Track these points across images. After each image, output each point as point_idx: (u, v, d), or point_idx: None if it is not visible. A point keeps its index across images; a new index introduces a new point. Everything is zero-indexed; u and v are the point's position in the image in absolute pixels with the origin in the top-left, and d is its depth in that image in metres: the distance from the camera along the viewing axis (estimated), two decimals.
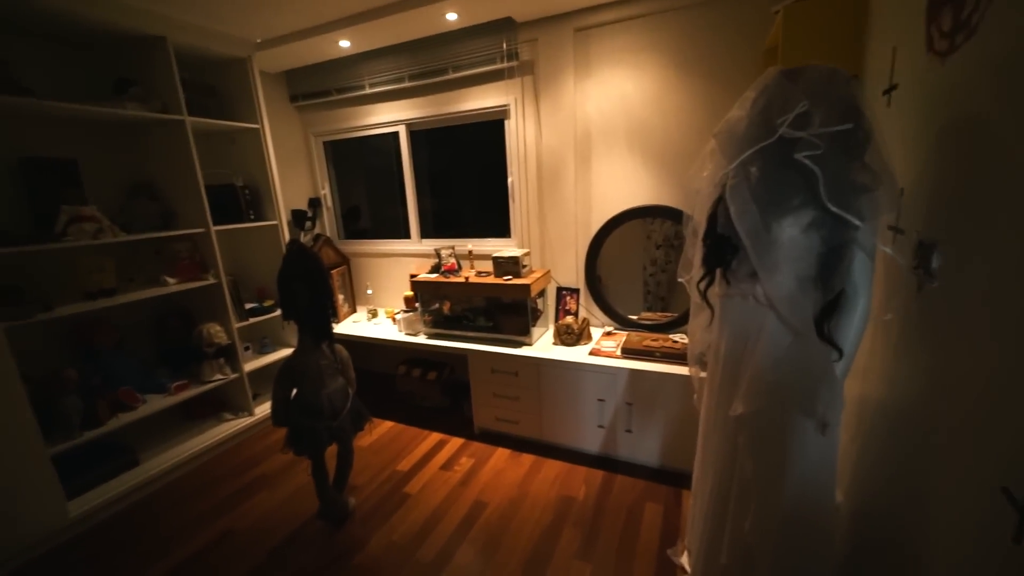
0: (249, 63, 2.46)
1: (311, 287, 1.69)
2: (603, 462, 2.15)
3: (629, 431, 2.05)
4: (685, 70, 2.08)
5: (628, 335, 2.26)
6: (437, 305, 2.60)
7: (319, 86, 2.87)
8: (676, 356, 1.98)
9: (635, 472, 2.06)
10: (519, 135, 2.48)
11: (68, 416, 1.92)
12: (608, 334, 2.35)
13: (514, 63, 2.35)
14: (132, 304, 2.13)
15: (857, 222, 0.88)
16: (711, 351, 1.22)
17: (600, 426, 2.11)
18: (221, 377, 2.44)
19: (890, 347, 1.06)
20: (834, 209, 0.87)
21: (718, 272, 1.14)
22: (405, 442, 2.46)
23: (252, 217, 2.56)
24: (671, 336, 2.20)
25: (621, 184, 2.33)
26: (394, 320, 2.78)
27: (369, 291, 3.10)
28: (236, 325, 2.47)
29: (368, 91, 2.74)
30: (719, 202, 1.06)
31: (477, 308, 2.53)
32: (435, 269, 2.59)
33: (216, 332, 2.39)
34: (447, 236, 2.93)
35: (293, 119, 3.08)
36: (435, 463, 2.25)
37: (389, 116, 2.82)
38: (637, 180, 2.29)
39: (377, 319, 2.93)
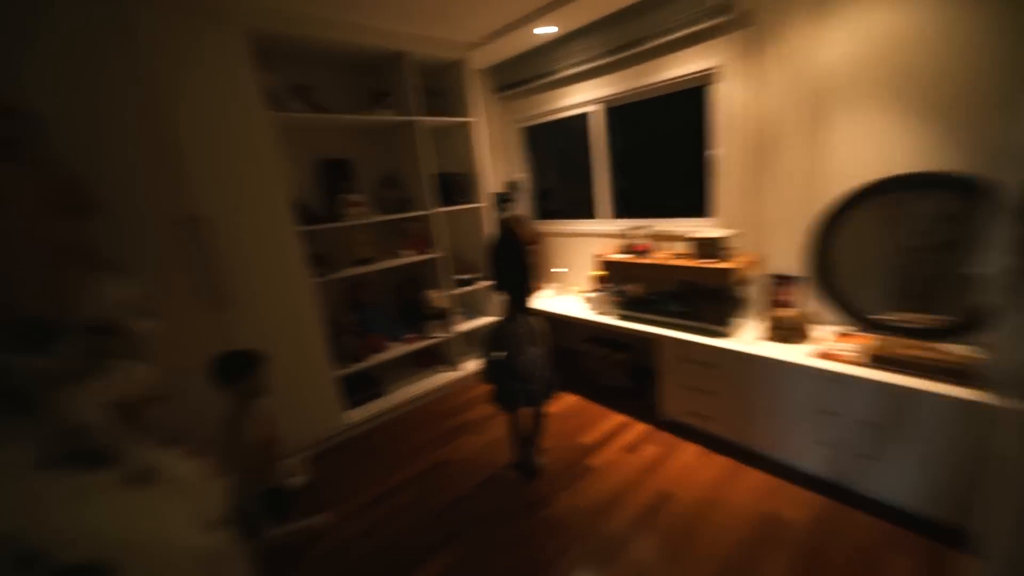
0: (465, 63, 2.78)
1: (515, 262, 1.86)
2: (826, 487, 1.79)
3: (869, 457, 1.65)
4: None
5: (876, 338, 1.80)
6: (626, 286, 2.56)
7: (520, 75, 3.07)
8: (954, 373, 1.51)
9: (874, 510, 1.66)
10: (728, 101, 2.19)
11: (344, 350, 2.59)
12: (844, 335, 1.92)
13: (726, 18, 2.06)
14: (382, 270, 2.72)
15: None
16: None
17: (824, 443, 1.77)
18: (440, 335, 2.94)
19: None
20: None
21: None
22: (588, 417, 2.54)
23: (463, 200, 2.95)
24: (937, 345, 1.68)
25: (871, 148, 1.83)
26: (584, 298, 2.86)
27: (562, 269, 3.26)
28: (451, 293, 2.92)
29: (565, 73, 2.80)
30: None
31: (670, 292, 2.40)
32: (626, 249, 2.54)
33: (436, 297, 2.86)
34: (637, 215, 2.84)
35: (497, 110, 3.39)
36: (618, 443, 2.27)
37: (583, 96, 2.84)
38: (897, 141, 1.77)
39: (564, 296, 3.06)
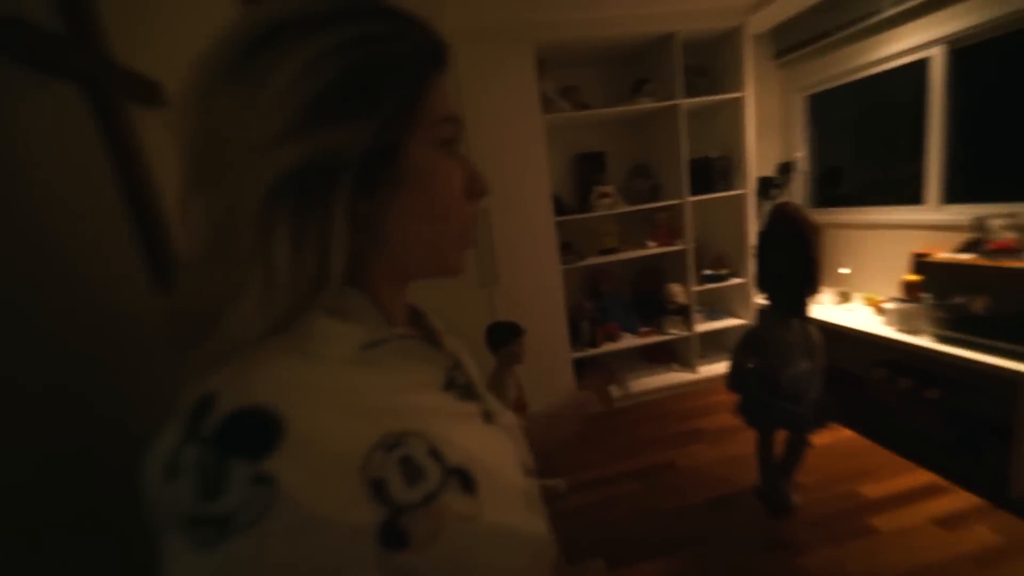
0: (741, 30, 2.45)
1: (791, 256, 1.56)
2: None
3: None
4: None
5: None
6: (963, 298, 1.83)
7: (813, 31, 2.51)
8: None
9: None
10: None
11: (582, 334, 2.75)
12: None
13: None
14: (623, 260, 2.74)
15: None
16: None
17: None
18: (677, 332, 2.78)
19: None
20: None
21: None
22: (872, 463, 1.96)
23: (722, 187, 2.65)
24: None
25: None
26: (878, 309, 2.20)
27: (845, 270, 2.58)
28: (694, 288, 2.71)
29: (889, 13, 2.13)
30: None
31: None
32: (971, 246, 1.81)
33: (677, 292, 2.71)
34: (982, 199, 1.96)
35: (773, 80, 2.89)
36: (924, 511, 1.67)
37: (914, 39, 2.11)
38: None
39: (850, 304, 2.42)
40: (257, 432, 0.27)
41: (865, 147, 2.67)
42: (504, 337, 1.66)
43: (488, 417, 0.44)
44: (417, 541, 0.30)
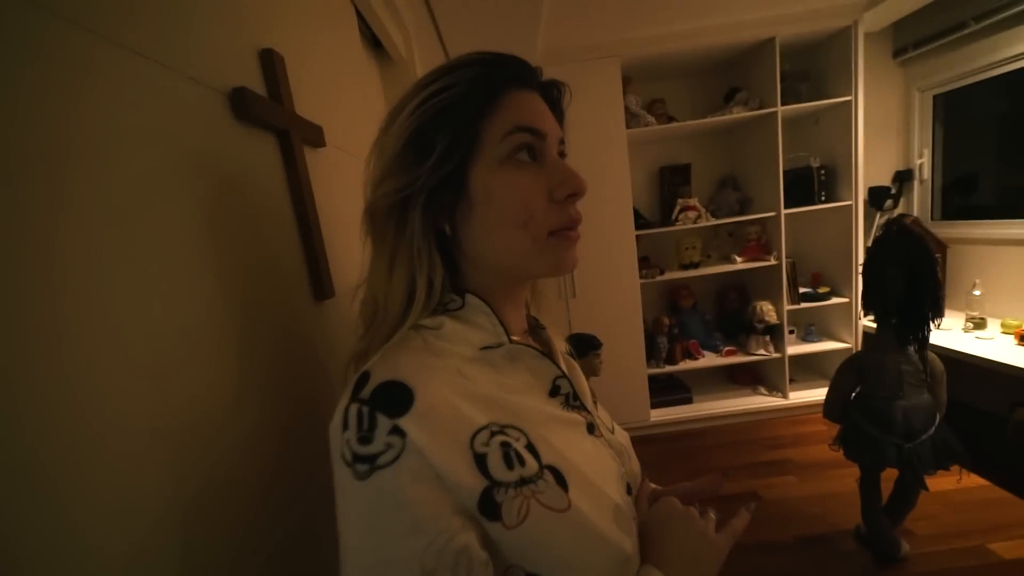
0: (854, 28, 2.26)
1: (911, 277, 1.41)
2: None
3: None
4: None
5: None
6: None
7: (944, 23, 2.25)
8: None
9: None
10: None
11: (659, 350, 2.68)
12: None
13: None
14: (706, 276, 2.63)
15: None
16: None
17: None
18: (764, 353, 2.60)
19: None
20: None
21: None
22: (1008, 518, 1.69)
23: (823, 199, 2.45)
24: None
25: None
26: (1020, 338, 1.89)
27: (976, 292, 2.25)
28: (787, 307, 2.52)
29: None
30: None
31: None
32: None
33: (767, 310, 2.53)
34: None
35: (892, 79, 2.61)
36: None
37: None
38: None
39: (984, 332, 2.10)
40: (396, 398, 0.36)
41: (1008, 151, 2.32)
42: (582, 349, 1.69)
43: (591, 429, 0.49)
44: (508, 517, 0.36)
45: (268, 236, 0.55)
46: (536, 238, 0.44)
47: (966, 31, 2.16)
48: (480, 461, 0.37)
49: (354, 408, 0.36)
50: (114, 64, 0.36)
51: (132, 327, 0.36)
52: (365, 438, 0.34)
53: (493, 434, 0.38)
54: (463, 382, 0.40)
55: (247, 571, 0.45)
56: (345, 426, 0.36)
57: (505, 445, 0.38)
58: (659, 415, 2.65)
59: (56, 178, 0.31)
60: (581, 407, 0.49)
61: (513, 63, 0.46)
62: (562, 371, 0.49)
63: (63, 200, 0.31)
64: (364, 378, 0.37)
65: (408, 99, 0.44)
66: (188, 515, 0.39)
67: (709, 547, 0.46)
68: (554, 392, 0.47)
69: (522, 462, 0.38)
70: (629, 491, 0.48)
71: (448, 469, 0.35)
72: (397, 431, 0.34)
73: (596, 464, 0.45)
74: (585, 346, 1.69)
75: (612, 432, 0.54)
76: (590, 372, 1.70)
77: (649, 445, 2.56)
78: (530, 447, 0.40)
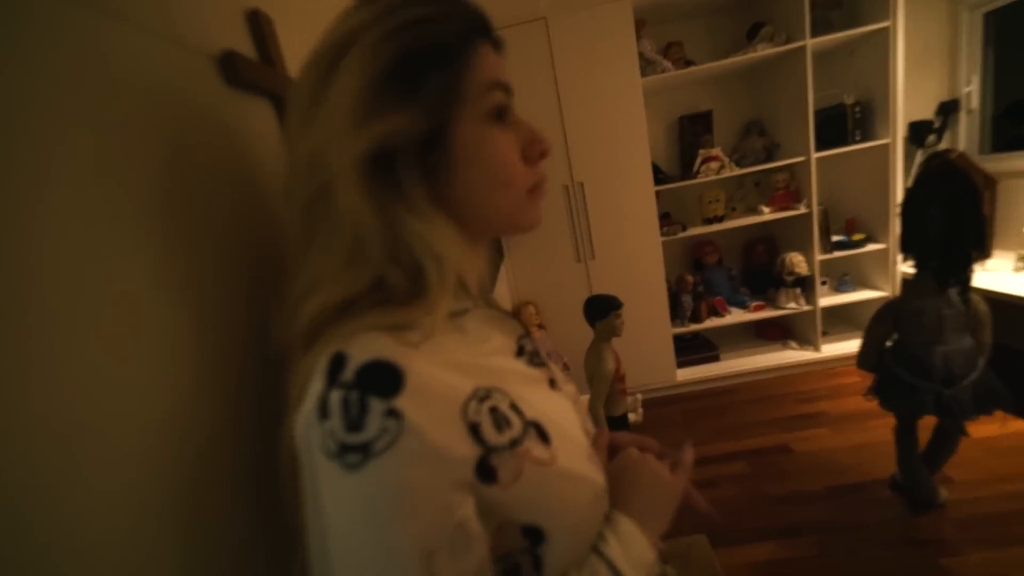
0: None
1: (952, 215, 1.32)
2: None
3: None
4: None
5: None
6: None
7: None
8: None
9: None
10: None
11: (684, 309, 2.63)
12: None
13: None
14: (732, 230, 2.53)
15: None
16: None
17: None
18: (795, 306, 2.52)
19: None
20: None
21: None
22: None
23: (858, 138, 2.29)
24: None
25: None
26: None
27: None
28: (818, 257, 2.41)
29: None
30: None
31: None
32: None
33: (798, 262, 2.43)
34: None
35: (930, 2, 2.37)
36: None
37: None
38: None
39: None
40: (386, 378, 0.33)
41: None
42: (602, 310, 1.67)
43: (553, 384, 0.50)
44: (504, 478, 0.37)
45: (272, 208, 0.54)
46: (519, 197, 0.44)
47: None
48: (474, 430, 0.36)
49: (336, 394, 0.33)
50: (89, 26, 0.35)
51: (127, 314, 0.35)
52: (354, 425, 0.32)
53: (481, 400, 0.38)
54: (441, 351, 0.39)
55: (247, 571, 0.45)
56: (325, 415, 0.33)
57: (493, 410, 0.38)
58: (685, 375, 2.63)
59: (33, 158, 0.30)
60: (542, 364, 0.50)
61: (479, 11, 0.42)
62: (525, 330, 0.51)
63: (48, 177, 0.31)
64: (339, 360, 0.34)
65: (372, 22, 0.37)
66: (188, 511, 0.39)
67: (665, 486, 0.51)
68: (520, 351, 0.49)
69: (509, 423, 0.38)
70: (587, 435, 0.51)
71: (446, 444, 0.34)
72: (393, 413, 0.32)
73: (563, 414, 0.47)
74: (606, 307, 1.66)
75: (567, 384, 0.56)
76: (611, 333, 1.68)
77: (675, 404, 2.56)
78: (513, 406, 0.40)
